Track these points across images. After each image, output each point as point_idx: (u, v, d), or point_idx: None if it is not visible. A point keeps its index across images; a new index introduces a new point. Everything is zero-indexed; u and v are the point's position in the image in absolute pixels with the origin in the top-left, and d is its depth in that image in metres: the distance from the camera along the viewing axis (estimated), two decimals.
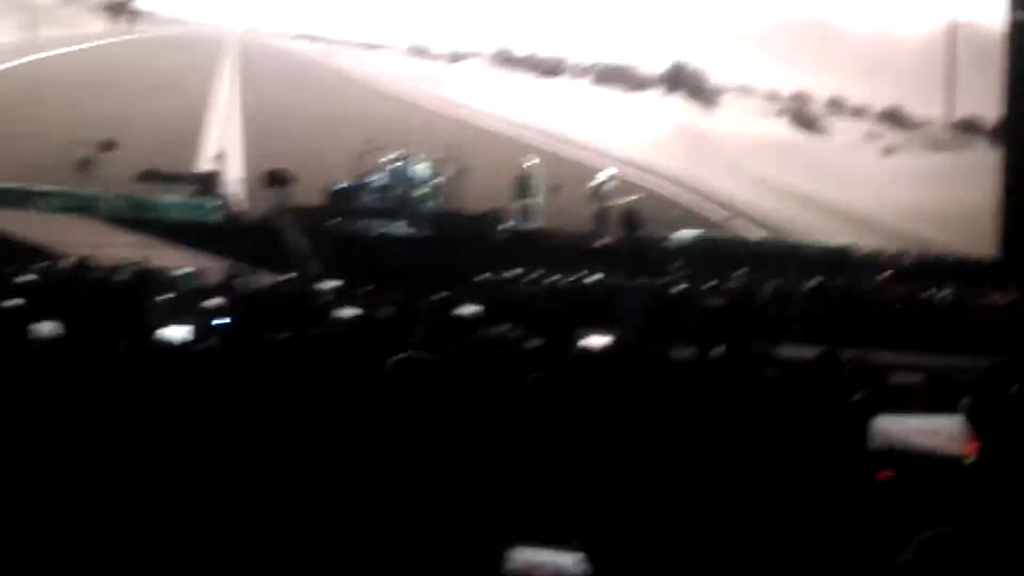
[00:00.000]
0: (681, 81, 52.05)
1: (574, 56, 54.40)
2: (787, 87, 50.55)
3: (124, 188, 30.72)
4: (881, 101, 49.78)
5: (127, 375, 7.44)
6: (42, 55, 44.51)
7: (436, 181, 32.91)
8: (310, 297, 12.89)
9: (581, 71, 53.84)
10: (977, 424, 4.65)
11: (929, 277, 26.12)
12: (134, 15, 52.52)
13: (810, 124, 50.25)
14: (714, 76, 51.74)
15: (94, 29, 50.27)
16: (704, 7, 54.72)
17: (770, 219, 39.93)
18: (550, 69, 54.44)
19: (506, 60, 55.73)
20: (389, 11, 59.45)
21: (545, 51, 55.61)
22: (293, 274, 20.82)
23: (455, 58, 57.48)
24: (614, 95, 52.07)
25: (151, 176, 31.61)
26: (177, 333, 8.66)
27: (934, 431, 4.63)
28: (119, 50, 50.07)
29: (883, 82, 50.19)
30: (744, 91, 51.24)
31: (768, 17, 56.34)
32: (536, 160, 34.10)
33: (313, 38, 61.80)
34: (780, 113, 50.16)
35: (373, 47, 60.51)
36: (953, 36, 49.62)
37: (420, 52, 57.68)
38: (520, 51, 55.40)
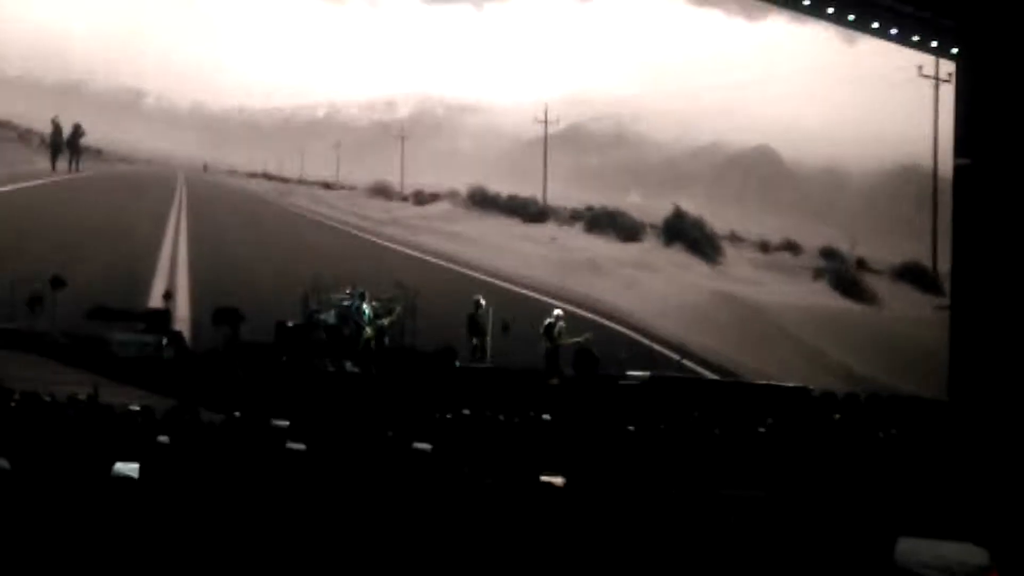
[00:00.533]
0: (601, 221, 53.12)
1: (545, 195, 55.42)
2: (736, 226, 51.18)
3: (74, 325, 30.54)
4: (829, 240, 50.38)
5: (80, 509, 7.40)
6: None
7: (386, 319, 32.88)
8: (259, 434, 12.74)
9: (568, 216, 54.84)
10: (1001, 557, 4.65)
11: (880, 418, 26.23)
12: (78, 153, 52.76)
13: (760, 265, 50.68)
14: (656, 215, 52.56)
15: (42, 166, 50.48)
16: (657, 141, 55.81)
17: (721, 360, 40.00)
18: (534, 214, 55.37)
19: (480, 201, 56.62)
20: (345, 151, 60.29)
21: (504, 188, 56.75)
22: (241, 411, 20.62)
23: (420, 199, 58.32)
24: (506, 223, 53.38)
25: (101, 314, 31.46)
26: (126, 468, 8.59)
27: (959, 560, 4.62)
28: (68, 188, 50.22)
29: (830, 222, 50.87)
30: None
31: (719, 154, 57.30)
32: (484, 300, 34.19)
33: (265, 176, 62.29)
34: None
35: (327, 186, 61.06)
36: (900, 179, 50.44)
37: (381, 191, 58.54)
38: (492, 192, 56.65)
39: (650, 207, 53.37)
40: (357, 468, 9.69)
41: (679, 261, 49.67)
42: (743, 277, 48.36)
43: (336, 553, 5.77)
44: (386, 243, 51.24)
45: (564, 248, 51.63)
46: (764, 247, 51.88)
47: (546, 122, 53.75)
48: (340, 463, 9.93)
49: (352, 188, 60.85)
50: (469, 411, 21.71)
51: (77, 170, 53.68)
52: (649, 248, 51.23)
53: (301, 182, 62.10)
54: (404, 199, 59.70)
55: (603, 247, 51.61)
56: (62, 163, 53.91)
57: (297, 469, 9.50)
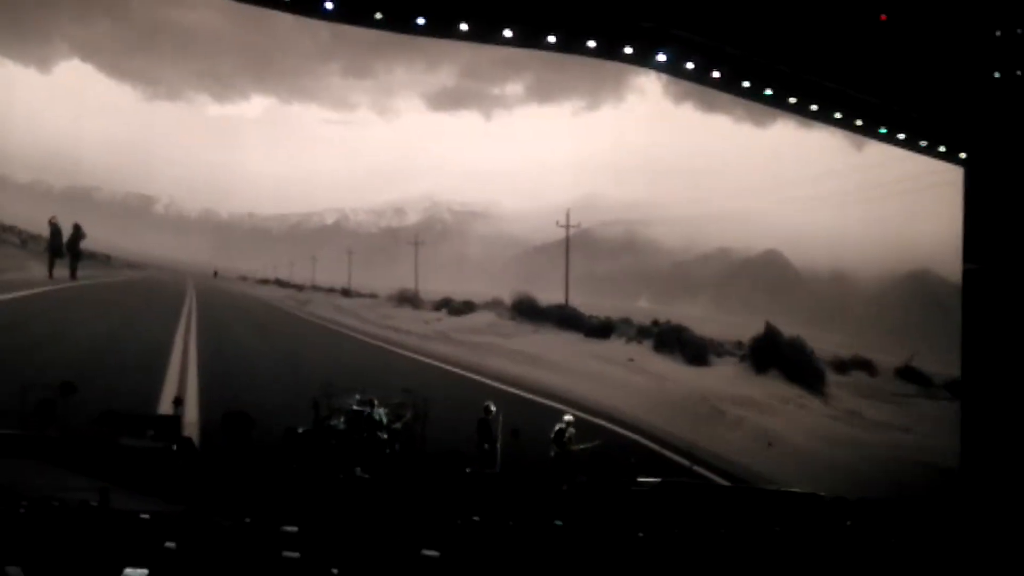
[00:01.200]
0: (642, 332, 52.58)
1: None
2: (746, 331, 50.94)
3: (84, 432, 30.53)
4: (838, 347, 50.22)
5: None
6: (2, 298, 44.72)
7: (395, 425, 32.91)
8: (267, 541, 12.72)
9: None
10: None
11: (890, 525, 26.08)
12: (77, 257, 51.61)
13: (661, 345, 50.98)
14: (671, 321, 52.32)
15: (39, 273, 50.66)
16: (666, 247, 55.96)
17: (733, 466, 39.74)
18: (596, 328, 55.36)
19: (528, 311, 56.13)
20: (356, 258, 60.56)
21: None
22: (251, 517, 20.55)
23: (452, 308, 57.80)
24: (568, 339, 52.39)
25: (110, 420, 31.45)
26: (136, 574, 8.64)
27: None
28: (78, 295, 50.34)
29: (840, 327, 50.80)
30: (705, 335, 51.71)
31: (727, 260, 57.40)
32: (494, 406, 34.22)
33: (278, 283, 62.54)
34: (740, 358, 50.25)
35: (346, 293, 61.20)
36: (910, 284, 50.47)
37: (407, 300, 58.22)
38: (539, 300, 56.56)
39: (656, 312, 53.45)
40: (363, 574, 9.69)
41: (677, 366, 49.57)
42: (750, 383, 48.15)
43: None
44: (395, 349, 51.23)
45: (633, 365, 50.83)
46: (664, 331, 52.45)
47: (567, 226, 53.54)
48: (342, 570, 9.92)
49: (373, 296, 60.36)
50: (479, 517, 21.65)
51: (75, 276, 51.78)
52: (643, 351, 50.99)
53: (316, 288, 61.78)
54: (437, 308, 58.92)
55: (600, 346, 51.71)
56: (61, 269, 51.60)
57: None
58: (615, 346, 52.16)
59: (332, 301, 60.22)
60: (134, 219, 59.06)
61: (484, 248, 60.09)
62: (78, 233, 52.46)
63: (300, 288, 61.52)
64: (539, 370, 48.98)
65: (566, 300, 54.46)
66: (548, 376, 48.02)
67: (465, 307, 57.54)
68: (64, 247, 51.61)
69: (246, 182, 58.91)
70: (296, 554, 10.34)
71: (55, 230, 52.20)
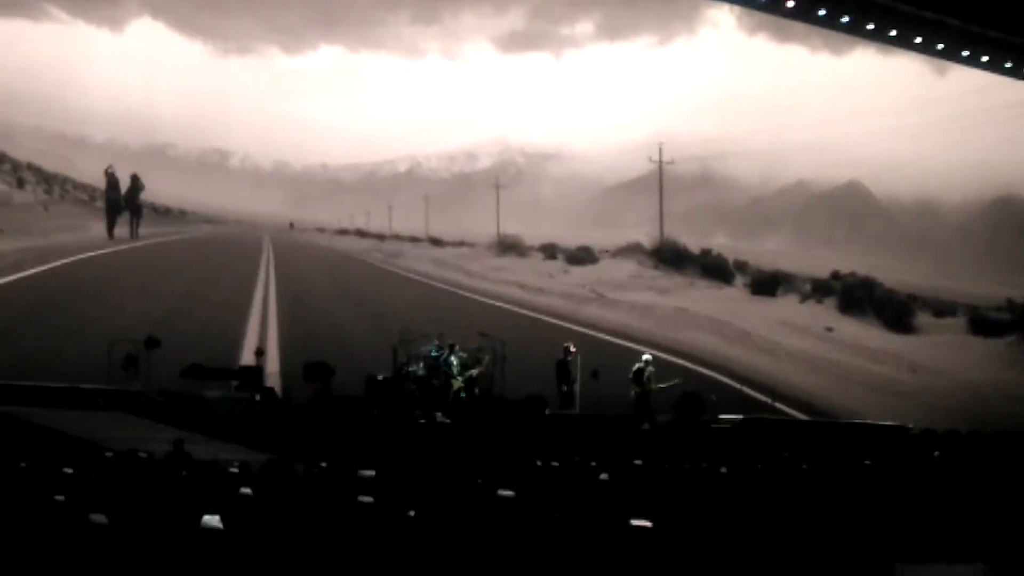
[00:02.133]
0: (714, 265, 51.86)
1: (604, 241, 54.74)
2: (827, 265, 50.40)
3: (169, 384, 30.86)
4: (921, 277, 49.50)
5: (170, 559, 7.54)
6: (84, 256, 45.14)
7: (475, 370, 32.93)
8: (344, 486, 12.75)
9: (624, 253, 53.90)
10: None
11: (983, 456, 25.67)
12: (137, 212, 50.29)
13: (851, 305, 49.57)
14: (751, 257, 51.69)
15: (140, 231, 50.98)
16: (742, 182, 55.43)
17: (815, 401, 39.36)
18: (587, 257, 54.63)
19: (673, 259, 54.72)
20: (430, 204, 60.47)
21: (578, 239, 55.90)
22: (328, 462, 20.65)
23: (502, 248, 56.83)
24: (648, 278, 51.84)
25: (195, 372, 31.74)
26: (214, 520, 8.69)
27: None
28: (160, 250, 50.83)
29: (925, 257, 50.15)
30: (782, 272, 50.98)
31: (806, 192, 56.79)
32: (573, 347, 34.12)
33: (359, 233, 62.57)
34: (823, 294, 49.63)
35: (413, 240, 61.11)
36: (996, 209, 49.57)
37: (510, 247, 57.34)
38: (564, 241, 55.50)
39: (736, 249, 52.99)
40: (438, 516, 9.66)
41: (765, 301, 49.01)
42: (831, 317, 47.64)
43: None
44: (470, 295, 51.19)
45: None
46: (851, 286, 50.88)
47: (660, 161, 52.47)
48: (418, 512, 9.89)
49: (469, 244, 59.26)
50: (558, 459, 21.60)
51: (136, 234, 50.38)
52: (829, 313, 50.03)
53: (398, 238, 61.20)
54: (549, 255, 56.46)
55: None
56: (121, 228, 50.02)
57: (366, 520, 9.51)
58: (799, 310, 50.37)
59: (425, 253, 58.61)
60: (210, 174, 59.52)
61: (558, 190, 59.88)
62: (137, 185, 50.85)
63: (381, 238, 61.06)
64: (736, 348, 44.51)
65: (661, 236, 53.57)
66: (751, 357, 43.66)
67: (584, 254, 55.57)
68: (122, 200, 50.28)
69: (318, 133, 59.14)
70: (370, 499, 10.33)
71: (112, 182, 50.71)
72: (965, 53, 35.89)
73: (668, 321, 46.15)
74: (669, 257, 53.51)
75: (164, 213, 55.19)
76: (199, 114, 56.65)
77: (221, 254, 53.10)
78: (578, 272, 54.33)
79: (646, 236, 53.52)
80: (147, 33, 56.34)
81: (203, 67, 57.06)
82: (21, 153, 48.99)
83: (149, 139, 56.29)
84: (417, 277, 54.46)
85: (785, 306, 49.20)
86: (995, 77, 38.06)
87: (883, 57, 50.30)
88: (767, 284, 50.32)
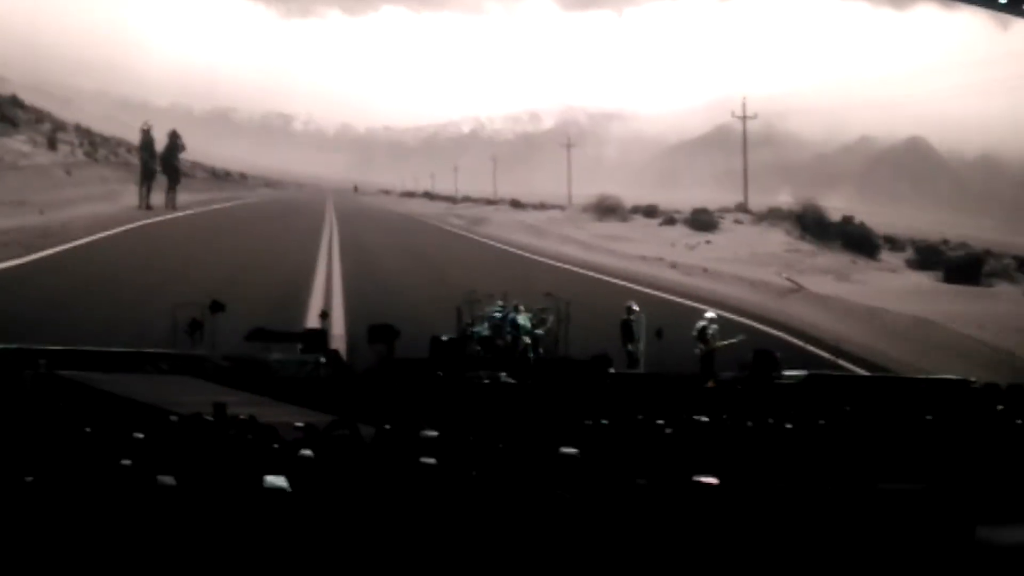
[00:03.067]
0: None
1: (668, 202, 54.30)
2: (890, 221, 49.95)
3: (233, 348, 31.13)
4: (987, 232, 49.00)
5: (232, 518, 7.67)
6: (146, 221, 45.45)
7: (539, 330, 32.99)
8: (407, 447, 12.84)
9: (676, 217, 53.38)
10: None
11: None
12: (176, 176, 46.73)
13: (923, 263, 49.01)
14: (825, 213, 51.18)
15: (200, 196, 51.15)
16: (805, 139, 54.97)
17: (874, 357, 39.10)
18: (656, 214, 54.21)
19: (605, 208, 54.23)
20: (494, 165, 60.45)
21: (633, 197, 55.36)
22: (394, 425, 20.77)
23: (601, 211, 55.40)
24: (804, 252, 51.05)
25: (259, 335, 31.99)
26: (278, 480, 8.79)
27: None
28: (221, 215, 51.13)
29: (989, 212, 49.62)
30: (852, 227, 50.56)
31: (870, 149, 56.25)
32: (637, 306, 34.12)
33: (427, 196, 62.62)
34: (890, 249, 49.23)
35: (489, 202, 60.92)
36: None
37: (610, 210, 56.04)
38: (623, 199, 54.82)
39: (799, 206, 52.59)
40: (500, 475, 9.71)
41: (828, 261, 48.62)
42: (896, 274, 47.29)
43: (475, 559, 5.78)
44: (536, 257, 51.04)
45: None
46: (921, 243, 50.31)
47: (744, 117, 51.71)
48: (481, 472, 9.95)
49: (556, 207, 56.71)
50: (623, 416, 21.61)
51: (174, 203, 46.90)
52: (791, 245, 49.82)
53: (470, 200, 60.55)
54: (666, 221, 53.12)
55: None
56: (156, 196, 46.06)
57: (429, 482, 9.58)
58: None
59: (510, 217, 56.05)
60: (274, 138, 59.72)
61: (620, 149, 59.61)
62: (175, 144, 46.76)
63: (453, 200, 60.70)
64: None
65: (745, 199, 52.55)
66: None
67: (704, 218, 52.17)
68: (159, 161, 46.11)
69: (381, 95, 59.16)
70: (432, 460, 10.39)
71: (146, 140, 46.21)
72: None
73: (866, 325, 42.26)
74: (811, 225, 50.55)
75: (223, 177, 55.23)
76: (261, 78, 56.86)
77: (283, 218, 53.34)
78: (722, 243, 50.55)
79: (785, 199, 51.83)
80: None
81: (265, 30, 57.21)
82: (84, 118, 49.30)
83: (212, 103, 56.54)
84: (516, 251, 53.38)
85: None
86: None
87: (945, 11, 49.74)
88: (968, 268, 47.01)
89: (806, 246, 49.99)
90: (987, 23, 46.49)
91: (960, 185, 53.52)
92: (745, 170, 52.21)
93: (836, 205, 52.27)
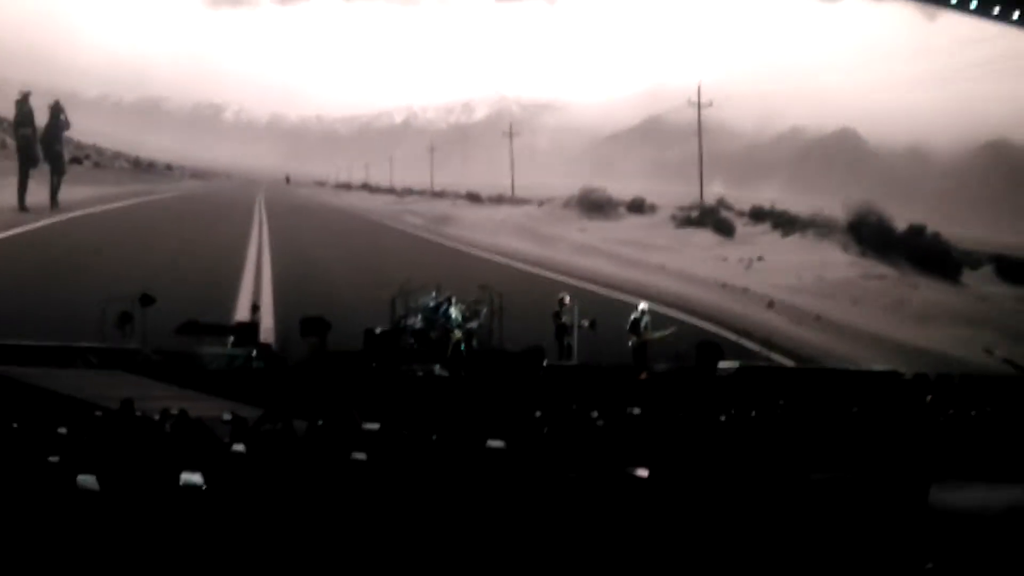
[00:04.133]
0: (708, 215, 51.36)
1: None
2: (818, 210, 50.12)
3: (164, 342, 30.84)
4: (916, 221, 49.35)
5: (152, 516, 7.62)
6: (76, 214, 44.92)
7: (472, 323, 32.95)
8: (345, 441, 12.77)
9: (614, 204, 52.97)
10: None
11: (975, 399, 25.76)
12: (59, 160, 40.85)
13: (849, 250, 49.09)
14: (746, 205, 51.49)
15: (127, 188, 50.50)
16: (738, 130, 55.15)
17: (804, 349, 39.35)
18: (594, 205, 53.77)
19: (592, 202, 52.36)
20: (425, 156, 60.28)
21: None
22: (327, 419, 20.66)
23: (587, 207, 53.92)
24: (637, 227, 51.20)
25: (190, 328, 31.74)
26: (193, 477, 8.72)
27: (997, 500, 4.66)
28: (151, 207, 50.62)
29: (918, 201, 50.01)
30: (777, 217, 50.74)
31: (800, 139, 56.58)
32: (568, 298, 34.14)
33: (356, 186, 62.28)
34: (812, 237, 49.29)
35: (466, 197, 60.38)
36: (987, 154, 49.41)
37: (596, 207, 54.78)
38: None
39: (733, 198, 52.79)
40: (426, 468, 9.69)
41: (767, 248, 48.72)
42: (830, 263, 47.51)
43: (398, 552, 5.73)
44: (469, 249, 50.80)
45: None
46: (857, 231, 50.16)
47: (699, 104, 51.17)
48: (410, 466, 9.93)
49: (523, 202, 54.03)
50: (556, 409, 21.64)
51: (55, 203, 40.68)
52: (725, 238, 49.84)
53: (417, 193, 59.62)
54: (684, 222, 50.25)
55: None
56: (38, 188, 39.24)
57: (361, 476, 9.55)
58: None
59: (481, 215, 52.65)
60: (204, 128, 59.21)
61: (554, 140, 59.56)
62: (57, 123, 39.55)
63: (396, 193, 59.79)
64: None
65: (701, 189, 51.54)
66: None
67: (718, 218, 49.35)
68: (38, 143, 38.97)
69: (313, 85, 58.81)
70: (363, 455, 10.37)
71: (22, 113, 38.77)
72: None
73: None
74: (871, 238, 45.08)
75: (146, 168, 54.51)
76: (191, 67, 56.31)
77: (217, 209, 52.88)
78: (775, 262, 45.45)
79: (842, 206, 47.61)
80: None
81: (195, 19, 56.67)
82: (8, 109, 48.51)
83: (141, 93, 55.96)
84: (417, 233, 52.66)
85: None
86: (983, 31, 37.98)
87: (873, 3, 50.09)
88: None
89: (869, 264, 45.42)
90: (914, 15, 46.87)
91: (889, 176, 53.90)
92: (700, 160, 52.18)
93: (768, 195, 52.53)
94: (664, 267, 46.34)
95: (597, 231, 50.39)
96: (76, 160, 45.87)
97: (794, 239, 48.02)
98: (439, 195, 57.74)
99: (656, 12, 55.37)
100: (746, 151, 56.25)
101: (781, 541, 7.99)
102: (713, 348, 33.53)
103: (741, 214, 50.95)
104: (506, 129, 58.59)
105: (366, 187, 61.20)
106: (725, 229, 50.17)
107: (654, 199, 52.69)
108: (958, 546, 7.42)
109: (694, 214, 51.06)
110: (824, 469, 12.42)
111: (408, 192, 59.11)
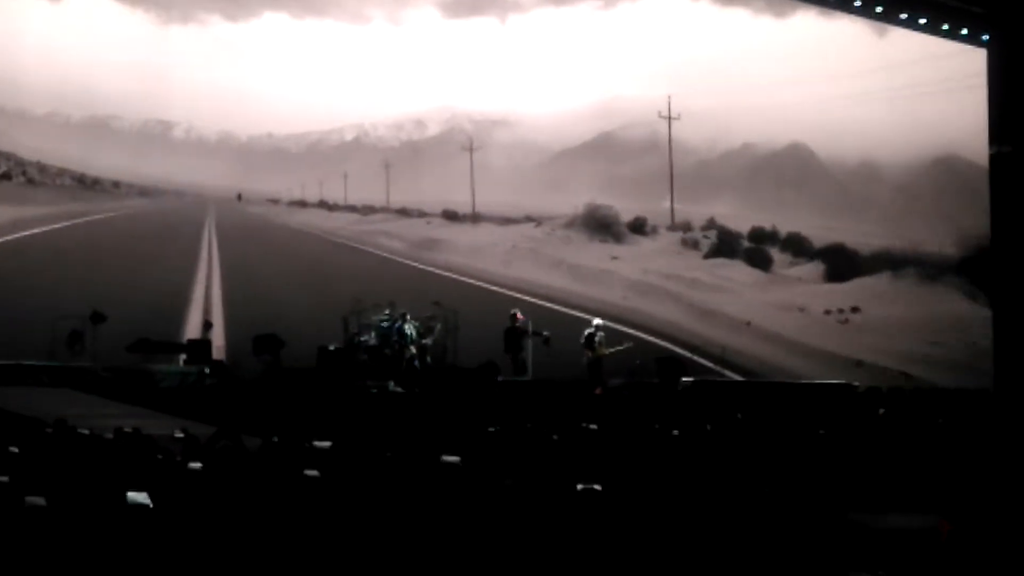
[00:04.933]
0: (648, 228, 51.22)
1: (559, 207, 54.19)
2: (774, 225, 50.40)
3: (115, 359, 30.62)
4: (865, 237, 49.72)
5: (99, 537, 7.52)
6: (27, 233, 44.59)
7: (426, 339, 32.89)
8: (298, 458, 12.69)
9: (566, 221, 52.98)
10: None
11: (926, 412, 25.91)
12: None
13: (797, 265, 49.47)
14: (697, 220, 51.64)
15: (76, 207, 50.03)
16: (688, 145, 55.36)
17: (757, 363, 39.51)
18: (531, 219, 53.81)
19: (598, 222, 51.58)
20: (379, 172, 60.12)
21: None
22: (281, 436, 20.52)
23: (594, 227, 53.08)
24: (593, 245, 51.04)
25: (142, 346, 31.52)
26: (139, 497, 8.63)
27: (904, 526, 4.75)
28: (102, 226, 50.25)
29: (870, 217, 50.39)
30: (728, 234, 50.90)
31: (752, 155, 56.91)
32: (521, 314, 34.11)
33: (312, 204, 62.07)
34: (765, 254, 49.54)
35: (357, 209, 60.47)
36: (937, 169, 49.81)
37: (409, 212, 55.67)
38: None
39: (685, 213, 53.00)
40: (381, 485, 9.65)
41: (715, 267, 48.93)
42: (781, 278, 47.75)
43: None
44: (422, 266, 50.70)
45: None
46: (800, 247, 50.49)
47: (669, 117, 50.66)
48: (364, 482, 9.87)
49: (505, 221, 51.85)
50: (510, 425, 21.62)
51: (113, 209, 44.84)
52: (679, 253, 49.90)
53: (379, 210, 59.00)
54: (717, 251, 48.51)
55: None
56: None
57: (313, 494, 9.50)
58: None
59: (469, 237, 49.78)
60: (154, 145, 58.92)
61: (506, 156, 59.59)
62: None
63: (358, 211, 58.72)
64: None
65: (672, 208, 50.97)
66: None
67: (757, 252, 46.93)
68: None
69: (263, 102, 58.65)
70: (316, 472, 10.30)
71: None
72: (903, 15, 36.05)
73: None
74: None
75: (91, 186, 53.99)
76: (141, 85, 56.04)
77: (167, 226, 52.58)
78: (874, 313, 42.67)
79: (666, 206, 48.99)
80: (86, 3, 55.75)
81: (144, 36, 56.46)
82: None
83: (91, 111, 55.65)
84: (370, 250, 52.31)
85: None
86: (933, 47, 38.32)
87: (824, 20, 50.44)
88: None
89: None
90: (865, 31, 47.23)
91: (842, 189, 54.27)
92: (671, 175, 51.89)
93: (721, 211, 52.78)
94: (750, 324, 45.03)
95: (632, 258, 48.68)
96: (6, 176, 45.03)
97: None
98: (404, 213, 56.73)
99: (607, 29, 55.58)
100: (699, 167, 56.51)
101: (731, 553, 8.00)
102: (675, 364, 33.60)
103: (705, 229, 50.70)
104: (457, 145, 58.56)
105: (324, 205, 60.83)
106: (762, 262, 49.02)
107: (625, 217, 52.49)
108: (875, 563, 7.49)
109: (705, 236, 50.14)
110: (779, 481, 12.47)
111: (371, 210, 58.30)
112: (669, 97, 50.49)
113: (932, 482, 12.97)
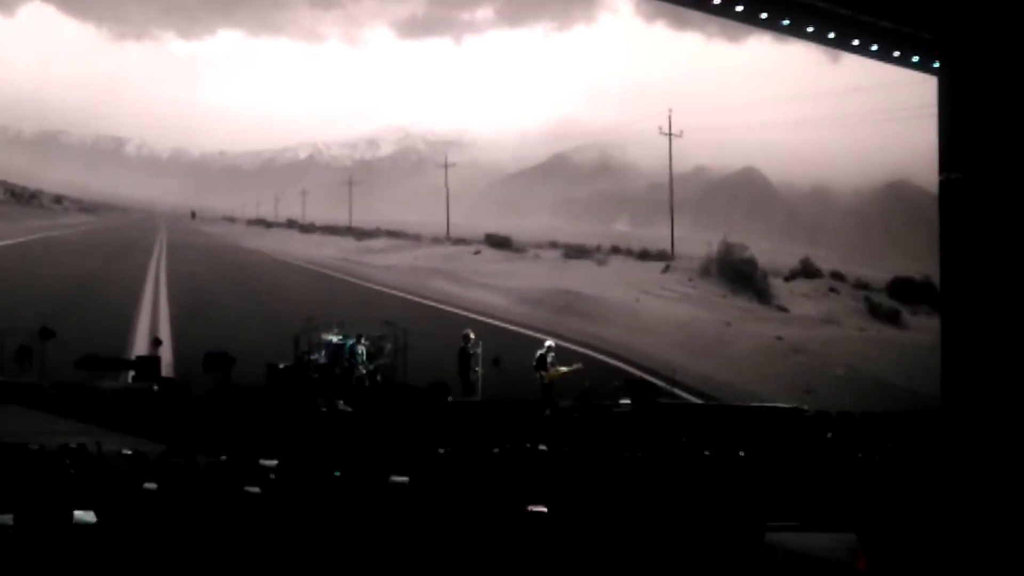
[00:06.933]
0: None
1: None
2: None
3: (63, 375, 30.40)
4: (819, 260, 50.06)
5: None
6: None
7: (377, 360, 32.87)
8: (248, 475, 12.67)
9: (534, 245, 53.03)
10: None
11: (874, 436, 26.09)
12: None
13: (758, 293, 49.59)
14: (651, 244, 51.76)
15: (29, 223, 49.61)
16: (642, 169, 55.56)
17: (708, 385, 39.69)
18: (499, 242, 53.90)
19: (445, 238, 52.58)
20: (337, 192, 59.99)
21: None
22: (230, 454, 20.46)
23: (400, 235, 53.86)
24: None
25: (90, 363, 31.31)
26: (85, 516, 8.63)
27: (830, 546, 4.84)
28: (53, 241, 49.89)
29: (821, 241, 50.74)
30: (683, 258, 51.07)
31: (705, 178, 57.22)
32: (473, 334, 34.12)
33: (298, 226, 61.66)
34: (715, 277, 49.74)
35: (306, 229, 60.21)
36: (888, 195, 50.23)
37: (499, 243, 54.43)
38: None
39: (637, 235, 53.16)
40: (329, 504, 9.66)
41: (670, 286, 49.10)
42: (730, 301, 48.00)
43: None
44: (372, 285, 50.61)
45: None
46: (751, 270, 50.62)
47: (670, 134, 50.41)
48: (310, 501, 9.88)
49: (475, 244, 52.37)
50: (458, 445, 21.63)
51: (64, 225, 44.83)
52: (633, 272, 49.99)
53: (358, 232, 58.41)
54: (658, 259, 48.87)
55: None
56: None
57: (254, 511, 9.49)
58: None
59: (286, 233, 51.73)
60: (105, 161, 58.60)
61: (459, 177, 59.63)
62: None
63: (341, 231, 57.77)
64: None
65: (672, 233, 50.36)
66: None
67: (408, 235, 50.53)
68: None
69: (216, 120, 58.49)
70: (257, 489, 10.30)
71: None
72: (855, 42, 36.40)
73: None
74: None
75: (27, 200, 53.33)
76: (93, 100, 55.77)
77: (117, 243, 52.24)
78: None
79: (622, 228, 48.85)
80: (39, 16, 55.55)
81: (98, 52, 56.28)
82: None
83: (42, 126, 55.30)
84: (314, 267, 51.92)
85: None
86: (885, 74, 38.68)
87: (778, 44, 50.84)
88: None
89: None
90: (818, 57, 47.64)
91: (793, 213, 54.65)
92: (671, 201, 51.66)
93: (673, 234, 52.99)
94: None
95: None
96: None
97: None
98: (394, 234, 55.44)
99: (561, 52, 55.83)
100: (650, 190, 56.73)
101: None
102: (646, 387, 33.67)
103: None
104: (412, 165, 58.58)
105: (296, 225, 60.01)
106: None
107: (566, 238, 52.70)
108: None
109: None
110: (703, 500, 12.58)
111: (365, 234, 57.14)
112: (670, 111, 50.17)
113: (862, 506, 13.10)
